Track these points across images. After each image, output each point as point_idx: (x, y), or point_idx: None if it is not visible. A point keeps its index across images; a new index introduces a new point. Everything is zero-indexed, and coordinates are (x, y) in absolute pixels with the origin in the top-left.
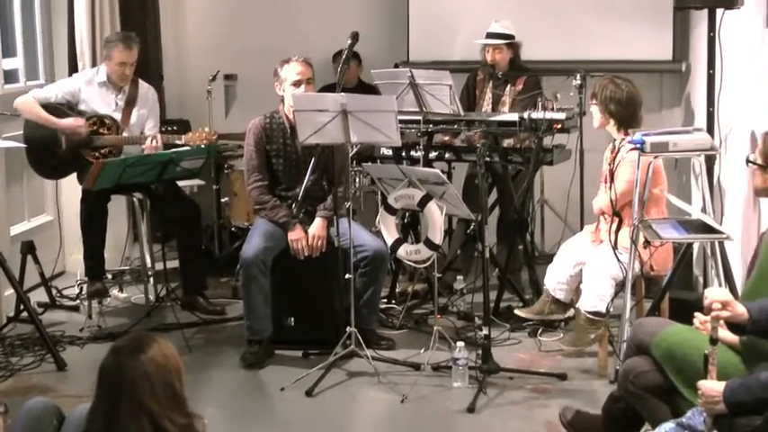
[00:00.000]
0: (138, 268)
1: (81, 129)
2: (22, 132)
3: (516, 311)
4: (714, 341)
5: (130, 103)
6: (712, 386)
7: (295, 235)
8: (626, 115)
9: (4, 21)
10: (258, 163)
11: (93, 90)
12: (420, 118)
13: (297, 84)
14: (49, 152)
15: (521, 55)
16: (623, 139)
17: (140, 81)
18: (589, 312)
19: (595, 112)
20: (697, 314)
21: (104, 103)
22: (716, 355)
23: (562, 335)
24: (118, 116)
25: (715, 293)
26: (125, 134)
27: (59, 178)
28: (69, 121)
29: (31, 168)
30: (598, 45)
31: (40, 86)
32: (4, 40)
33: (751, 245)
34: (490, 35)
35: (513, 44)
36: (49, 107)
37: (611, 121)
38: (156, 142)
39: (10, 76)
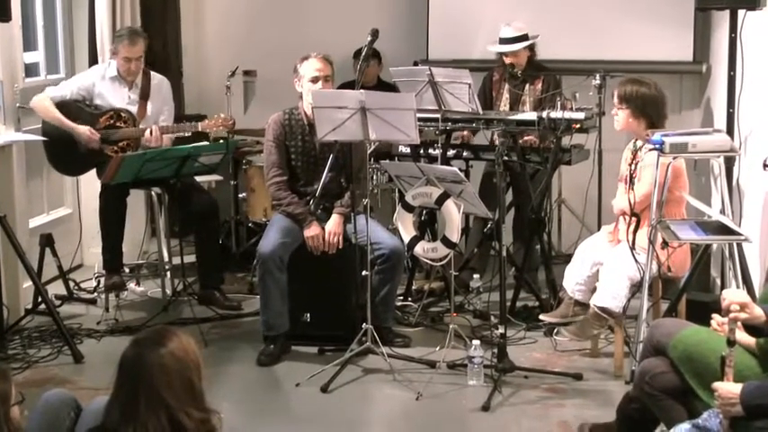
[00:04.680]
0: (155, 262)
1: (93, 143)
2: (40, 127)
3: (542, 317)
4: (732, 343)
5: (144, 97)
6: (729, 388)
7: (311, 232)
8: (658, 115)
9: (25, 15)
10: (277, 158)
11: (105, 84)
12: (438, 116)
13: (314, 80)
14: (67, 149)
15: (538, 53)
16: (646, 140)
17: (152, 73)
18: (598, 307)
19: (622, 114)
20: (715, 316)
21: (118, 97)
22: (733, 357)
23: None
24: (133, 110)
25: (733, 295)
26: (141, 127)
27: (79, 175)
28: (85, 131)
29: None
30: (618, 45)
31: (61, 80)
32: (25, 33)
33: None
34: (503, 40)
35: (529, 45)
36: (65, 104)
37: (643, 123)
38: (152, 133)
39: (31, 70)
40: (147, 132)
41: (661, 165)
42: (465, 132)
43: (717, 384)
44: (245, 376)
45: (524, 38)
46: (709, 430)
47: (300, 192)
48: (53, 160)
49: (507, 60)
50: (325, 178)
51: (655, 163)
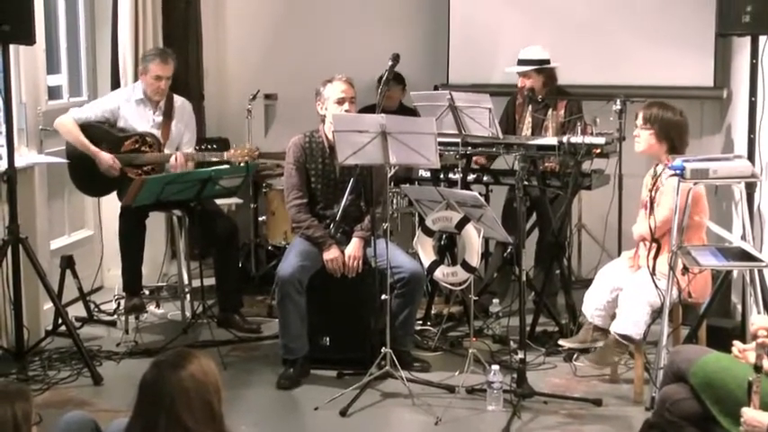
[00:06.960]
0: (175, 285)
1: (114, 170)
2: (64, 148)
3: (561, 342)
4: (758, 369)
5: (168, 118)
6: (755, 416)
7: (330, 255)
8: (680, 141)
9: (49, 38)
10: (297, 181)
11: (130, 107)
12: (459, 140)
13: (340, 101)
14: (91, 170)
15: (558, 78)
16: (666, 165)
17: (174, 96)
18: (619, 335)
19: (645, 136)
20: (735, 342)
21: (142, 120)
22: (760, 383)
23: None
24: (156, 132)
25: (762, 321)
26: (166, 151)
27: (101, 195)
28: (107, 159)
29: (72, 184)
30: (638, 70)
31: (84, 103)
32: (48, 56)
33: None
34: (520, 62)
35: (543, 69)
36: (90, 127)
37: (665, 147)
38: (177, 160)
39: (54, 93)
40: (173, 159)
41: (681, 190)
42: (483, 160)
43: (745, 409)
44: (264, 399)
45: (540, 62)
46: None
47: (320, 215)
48: (76, 180)
49: (519, 83)
50: (345, 201)
51: (674, 188)
